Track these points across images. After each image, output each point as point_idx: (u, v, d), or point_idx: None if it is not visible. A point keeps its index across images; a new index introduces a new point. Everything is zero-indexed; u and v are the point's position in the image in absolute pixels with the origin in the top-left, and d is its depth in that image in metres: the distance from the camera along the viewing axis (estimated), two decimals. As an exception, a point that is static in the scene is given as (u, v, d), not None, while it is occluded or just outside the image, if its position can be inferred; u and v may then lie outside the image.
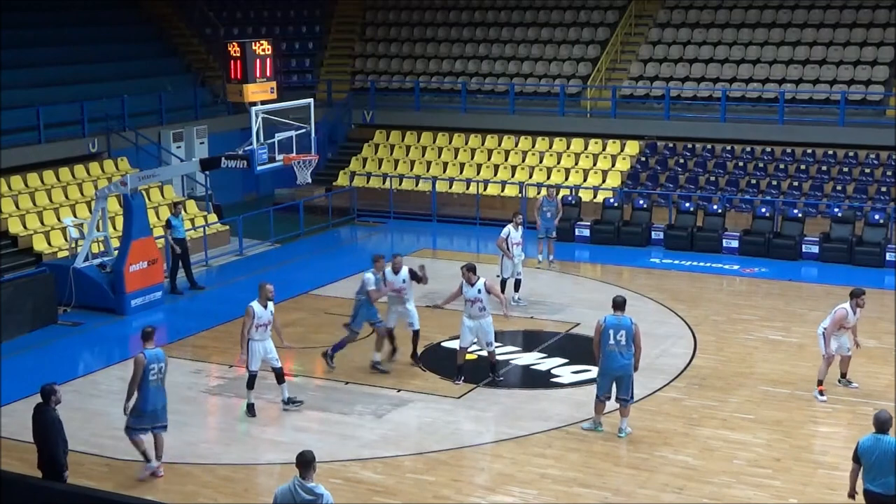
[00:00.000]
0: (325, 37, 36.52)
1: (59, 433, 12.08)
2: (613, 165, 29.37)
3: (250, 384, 15.69)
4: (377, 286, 17.18)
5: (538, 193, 25.57)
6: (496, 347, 17.21)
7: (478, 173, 30.18)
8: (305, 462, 9.81)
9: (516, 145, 30.88)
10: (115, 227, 22.71)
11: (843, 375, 16.54)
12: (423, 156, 31.47)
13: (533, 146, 30.71)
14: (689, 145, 29.27)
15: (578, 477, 13.67)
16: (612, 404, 14.96)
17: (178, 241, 22.42)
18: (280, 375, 15.77)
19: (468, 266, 16.70)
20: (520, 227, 20.75)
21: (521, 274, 20.88)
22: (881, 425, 10.89)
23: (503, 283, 20.54)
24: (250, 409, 15.76)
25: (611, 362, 14.51)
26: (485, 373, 17.17)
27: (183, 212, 23.73)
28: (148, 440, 13.63)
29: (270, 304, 15.54)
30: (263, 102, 21.64)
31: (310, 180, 22.84)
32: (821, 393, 16.12)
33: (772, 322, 19.72)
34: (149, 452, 13.65)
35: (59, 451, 12.04)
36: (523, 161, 30.29)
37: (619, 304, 14.62)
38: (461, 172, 30.41)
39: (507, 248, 20.47)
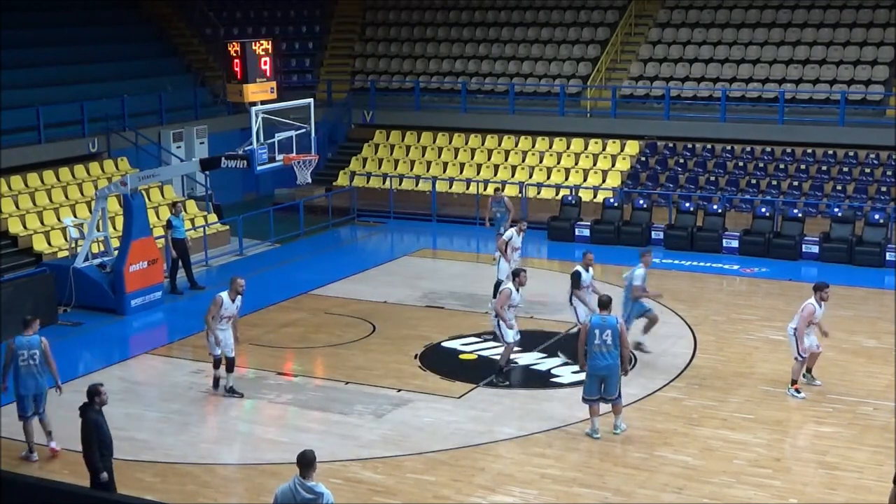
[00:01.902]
0: (325, 37, 36.52)
1: (93, 434, 12.05)
2: (613, 165, 29.37)
3: (217, 365, 16.54)
4: (643, 283, 17.49)
5: (485, 189, 25.45)
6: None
7: (478, 173, 30.18)
8: (306, 462, 9.81)
9: (516, 145, 30.88)
10: (115, 227, 22.72)
11: (809, 371, 16.60)
12: (423, 156, 31.47)
13: (533, 146, 30.71)
14: (689, 145, 29.27)
15: (578, 477, 13.67)
16: (606, 407, 15.00)
17: (178, 242, 22.43)
18: (231, 365, 16.44)
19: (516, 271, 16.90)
20: (522, 233, 20.78)
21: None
22: None
23: (498, 284, 20.56)
24: (216, 384, 16.61)
25: (596, 361, 14.53)
26: (485, 373, 17.23)
27: (183, 212, 23.74)
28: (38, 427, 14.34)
29: (239, 299, 16.30)
30: (263, 102, 21.66)
31: (310, 180, 22.86)
32: (797, 391, 16.18)
33: (772, 322, 19.70)
34: (33, 444, 14.30)
35: (94, 452, 12.03)
36: (523, 161, 30.30)
37: (604, 304, 14.74)
38: (461, 172, 30.41)
39: (506, 251, 20.48)
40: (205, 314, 16.38)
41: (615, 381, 14.60)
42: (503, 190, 25.40)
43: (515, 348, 17.41)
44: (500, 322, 16.66)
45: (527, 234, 27.23)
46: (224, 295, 16.19)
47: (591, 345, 14.52)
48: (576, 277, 17.76)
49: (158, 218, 25.25)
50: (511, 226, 21.71)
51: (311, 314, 20.83)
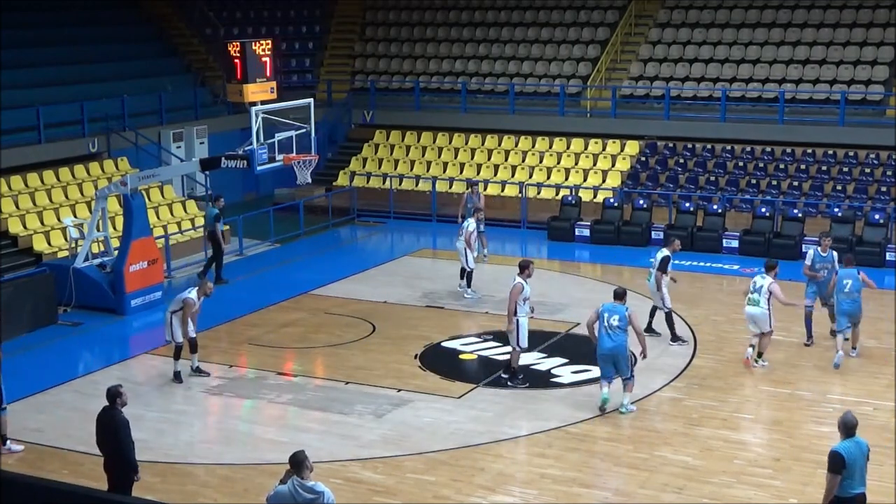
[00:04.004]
0: (325, 37, 36.52)
1: (129, 434, 12.09)
2: (613, 165, 29.37)
3: (178, 354, 17.05)
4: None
5: (467, 189, 25.63)
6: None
7: (478, 173, 30.18)
8: (298, 462, 9.81)
9: (516, 145, 30.88)
10: (115, 227, 22.72)
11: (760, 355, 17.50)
12: (423, 156, 31.47)
13: (533, 146, 30.71)
14: (689, 145, 29.27)
15: (578, 477, 13.67)
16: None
17: (214, 234, 22.79)
18: (194, 346, 17.27)
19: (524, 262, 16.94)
20: (481, 222, 22.07)
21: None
22: (853, 428, 10.61)
23: (470, 274, 21.45)
24: (177, 377, 17.08)
25: (602, 343, 15.35)
26: (485, 373, 17.26)
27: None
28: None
29: (203, 299, 17.20)
30: (263, 102, 21.64)
31: (310, 180, 22.87)
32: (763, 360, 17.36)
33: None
34: None
35: (132, 452, 12.07)
36: (523, 161, 30.29)
37: (619, 295, 15.62)
38: (461, 172, 30.41)
39: (470, 242, 21.33)
40: (171, 308, 17.00)
41: (625, 361, 15.35)
42: (483, 188, 25.78)
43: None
44: (518, 320, 16.40)
45: (527, 234, 27.55)
46: (194, 297, 16.97)
47: (600, 327, 15.33)
48: (664, 261, 18.38)
49: (158, 218, 25.25)
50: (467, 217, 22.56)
51: (311, 314, 20.83)
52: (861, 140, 27.67)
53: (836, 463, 10.41)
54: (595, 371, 17.11)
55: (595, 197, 28.11)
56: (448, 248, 26.42)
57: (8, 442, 14.62)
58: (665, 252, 18.61)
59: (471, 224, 21.45)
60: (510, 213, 28.22)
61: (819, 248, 18.74)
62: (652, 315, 18.87)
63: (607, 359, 15.33)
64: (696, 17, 32.43)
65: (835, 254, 18.73)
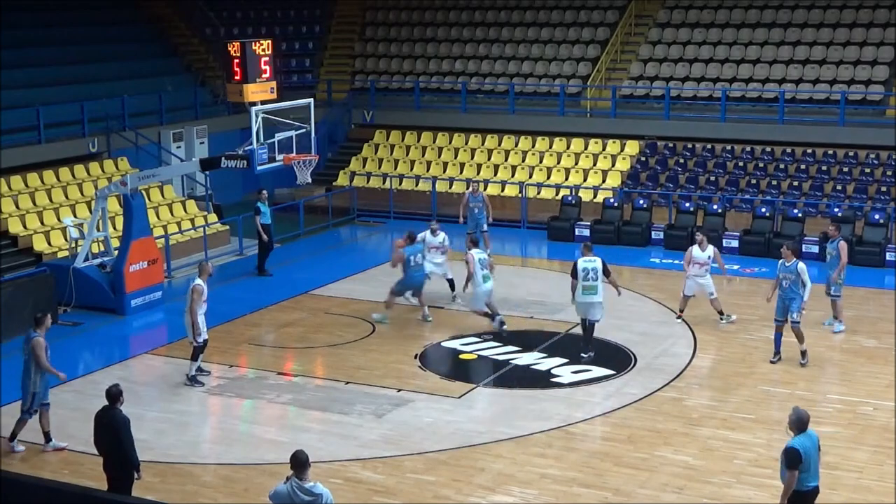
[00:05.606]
0: (325, 37, 36.53)
1: (130, 433, 12.11)
2: (613, 165, 29.36)
3: (196, 356, 16.91)
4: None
5: (467, 189, 25.61)
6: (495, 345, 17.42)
7: (478, 173, 30.18)
8: (299, 463, 9.78)
9: (516, 145, 30.88)
10: (115, 227, 22.72)
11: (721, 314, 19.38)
12: (423, 156, 31.46)
13: (533, 146, 30.70)
14: (689, 145, 29.26)
15: (578, 477, 13.67)
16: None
17: (265, 227, 23.29)
18: (203, 348, 16.96)
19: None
20: (438, 232, 21.13)
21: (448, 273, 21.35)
22: (806, 423, 10.91)
23: (452, 281, 21.26)
24: (194, 380, 16.88)
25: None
26: (485, 373, 17.28)
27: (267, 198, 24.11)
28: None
29: (207, 279, 17.05)
30: (263, 102, 21.62)
31: (310, 180, 22.84)
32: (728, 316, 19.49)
33: (772, 322, 19.64)
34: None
35: (133, 450, 12.09)
36: (523, 161, 30.29)
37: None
38: (461, 172, 30.41)
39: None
40: (187, 304, 16.71)
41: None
42: (485, 188, 25.62)
43: (515, 348, 17.53)
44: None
45: (527, 234, 27.55)
46: (201, 282, 16.79)
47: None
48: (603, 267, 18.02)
49: (158, 218, 25.25)
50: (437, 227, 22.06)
51: (311, 314, 20.83)
52: (861, 140, 27.66)
53: (794, 459, 10.71)
54: (595, 371, 17.25)
55: (595, 197, 28.11)
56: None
57: (13, 442, 14.67)
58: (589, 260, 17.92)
59: (426, 235, 20.93)
60: (510, 213, 28.21)
61: (783, 258, 17.65)
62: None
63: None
64: (696, 17, 32.43)
65: (800, 264, 17.52)
